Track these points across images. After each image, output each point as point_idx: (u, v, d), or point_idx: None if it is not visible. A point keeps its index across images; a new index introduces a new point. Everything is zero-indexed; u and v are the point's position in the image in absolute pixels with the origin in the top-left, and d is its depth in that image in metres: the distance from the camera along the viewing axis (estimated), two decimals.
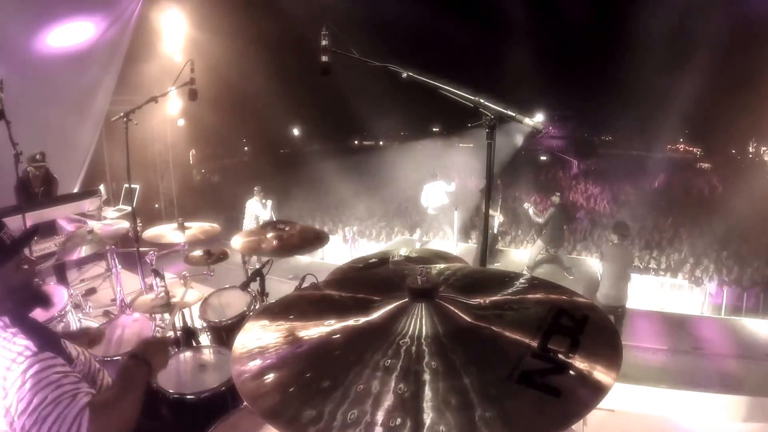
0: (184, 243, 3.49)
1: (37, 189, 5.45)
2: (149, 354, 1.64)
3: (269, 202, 8.42)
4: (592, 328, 1.06)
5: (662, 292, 8.76)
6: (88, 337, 2.19)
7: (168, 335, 2.74)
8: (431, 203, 9.55)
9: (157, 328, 3.14)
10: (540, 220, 8.12)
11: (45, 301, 1.62)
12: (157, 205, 9.80)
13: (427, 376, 0.89)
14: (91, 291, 5.36)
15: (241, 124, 20.56)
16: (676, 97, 20.96)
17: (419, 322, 1.03)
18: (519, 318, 1.09)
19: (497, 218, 8.88)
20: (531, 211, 8.26)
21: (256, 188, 8.36)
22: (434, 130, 31.71)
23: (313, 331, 1.10)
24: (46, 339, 1.45)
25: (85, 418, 1.34)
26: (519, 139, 21.04)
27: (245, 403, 0.93)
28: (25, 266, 1.52)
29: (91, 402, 1.39)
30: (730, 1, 18.75)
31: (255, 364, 1.01)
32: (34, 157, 5.29)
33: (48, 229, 5.13)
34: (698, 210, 14.46)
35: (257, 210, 8.28)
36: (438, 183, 9.50)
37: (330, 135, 29.61)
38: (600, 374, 0.91)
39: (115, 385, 1.56)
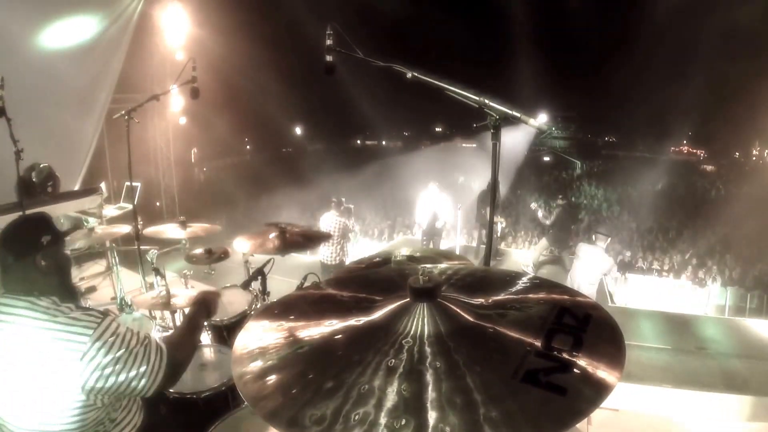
0: (185, 241, 3.48)
1: (40, 189, 5.43)
2: (208, 302, 1.99)
3: (351, 207, 6.88)
4: (595, 326, 1.05)
5: (665, 294, 8.74)
6: None
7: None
8: (422, 219, 8.33)
9: (158, 327, 3.14)
10: (548, 222, 8.22)
11: (74, 294, 1.74)
12: (158, 203, 9.75)
13: (430, 376, 0.88)
14: (91, 289, 5.35)
15: (243, 122, 20.57)
16: (680, 100, 20.94)
17: (421, 322, 1.02)
18: (522, 317, 1.08)
19: (500, 224, 8.85)
20: (539, 214, 8.41)
21: (334, 200, 6.60)
22: (437, 130, 31.77)
23: (315, 331, 1.08)
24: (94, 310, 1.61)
25: (164, 351, 1.60)
26: (525, 144, 19.95)
27: (245, 402, 0.93)
28: (68, 252, 1.74)
29: (167, 339, 1.72)
30: (735, 4, 18.71)
31: (256, 365, 1.00)
32: (45, 186, 4.98)
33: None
34: (702, 212, 14.42)
35: (344, 225, 6.50)
36: (432, 193, 8.16)
37: (332, 134, 29.68)
38: (604, 372, 0.90)
39: (183, 327, 1.87)
